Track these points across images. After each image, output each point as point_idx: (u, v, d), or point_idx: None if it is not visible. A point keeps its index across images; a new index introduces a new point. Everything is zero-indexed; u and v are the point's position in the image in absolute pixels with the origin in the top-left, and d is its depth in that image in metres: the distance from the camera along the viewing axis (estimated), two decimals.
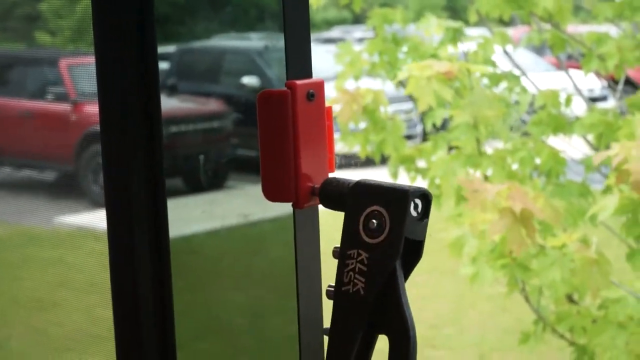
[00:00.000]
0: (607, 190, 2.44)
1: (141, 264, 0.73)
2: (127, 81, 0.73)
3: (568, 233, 2.21)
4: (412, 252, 0.62)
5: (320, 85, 0.69)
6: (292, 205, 0.67)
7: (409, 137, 2.98)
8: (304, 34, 0.75)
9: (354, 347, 0.61)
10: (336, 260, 0.63)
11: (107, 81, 0.74)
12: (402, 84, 2.89)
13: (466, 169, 2.54)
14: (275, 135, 0.65)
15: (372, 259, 0.61)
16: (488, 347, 5.08)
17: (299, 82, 0.66)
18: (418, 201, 0.61)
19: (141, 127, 0.71)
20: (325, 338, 0.64)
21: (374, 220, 0.61)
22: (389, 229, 0.60)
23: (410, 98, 2.75)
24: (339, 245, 0.63)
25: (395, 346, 0.60)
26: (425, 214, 0.62)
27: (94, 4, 0.74)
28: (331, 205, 0.65)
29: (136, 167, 0.72)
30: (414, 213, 0.61)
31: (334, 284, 0.62)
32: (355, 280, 0.61)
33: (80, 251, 1.68)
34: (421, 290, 5.46)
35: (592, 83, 4.59)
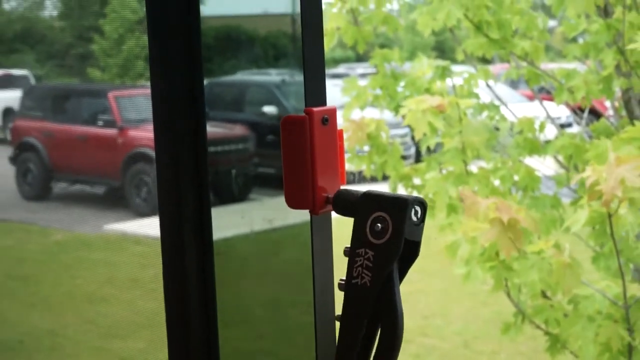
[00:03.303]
0: (575, 203, 2.44)
1: (189, 263, 0.73)
2: (178, 108, 0.74)
3: (544, 240, 2.20)
4: (411, 251, 0.62)
5: (333, 112, 0.69)
6: (310, 212, 0.67)
7: (403, 158, 2.99)
8: (319, 69, 0.76)
9: (362, 330, 0.61)
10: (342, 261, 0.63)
11: (161, 108, 0.75)
12: (403, 115, 2.91)
13: (456, 186, 2.55)
14: (296, 153, 0.65)
15: (377, 257, 0.61)
16: (471, 336, 5.07)
17: (315, 109, 0.67)
18: (417, 208, 0.62)
19: (190, 147, 0.72)
20: (337, 323, 0.65)
21: (379, 224, 0.62)
22: (392, 231, 0.61)
23: (408, 125, 2.76)
24: (348, 246, 0.63)
25: (384, 329, 0.60)
26: (422, 219, 0.62)
27: (150, 43, 0.75)
28: (342, 211, 0.65)
29: (185, 180, 0.73)
30: (413, 218, 0.61)
31: (344, 278, 0.63)
32: (363, 274, 0.61)
33: (125, 253, 1.68)
34: (414, 287, 5.45)
35: (559, 112, 4.59)
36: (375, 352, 0.60)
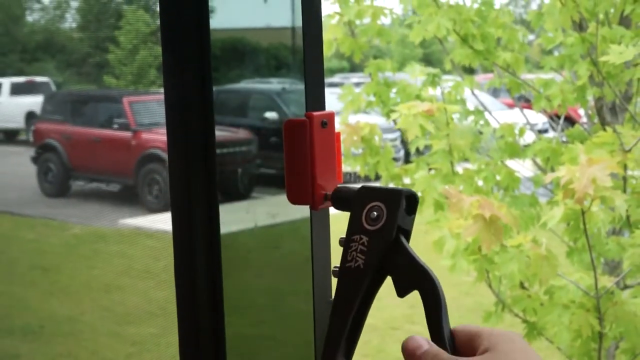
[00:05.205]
0: (552, 202, 2.44)
1: (199, 255, 0.74)
2: (189, 114, 0.74)
3: (523, 235, 2.21)
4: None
5: (331, 116, 0.69)
6: (310, 208, 0.67)
7: (394, 160, 2.99)
8: (319, 77, 0.76)
9: (353, 312, 0.61)
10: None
11: (173, 114, 0.75)
12: (395, 120, 2.92)
13: (443, 185, 2.55)
14: (297, 152, 0.65)
15: (371, 241, 0.61)
16: (454, 323, 5.06)
17: (315, 113, 0.67)
18: (408, 199, 0.62)
19: (200, 150, 0.72)
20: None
21: (375, 212, 0.62)
22: (386, 217, 0.61)
23: (398, 129, 2.77)
24: (343, 236, 0.63)
25: (426, 291, 0.61)
26: (412, 209, 0.62)
27: (164, 54, 0.75)
28: (340, 206, 0.65)
29: (195, 180, 0.73)
30: (404, 207, 0.62)
31: (338, 266, 0.62)
32: (357, 258, 0.61)
33: (138, 246, 1.68)
34: None
35: (537, 118, 4.60)
36: (427, 313, 0.61)
